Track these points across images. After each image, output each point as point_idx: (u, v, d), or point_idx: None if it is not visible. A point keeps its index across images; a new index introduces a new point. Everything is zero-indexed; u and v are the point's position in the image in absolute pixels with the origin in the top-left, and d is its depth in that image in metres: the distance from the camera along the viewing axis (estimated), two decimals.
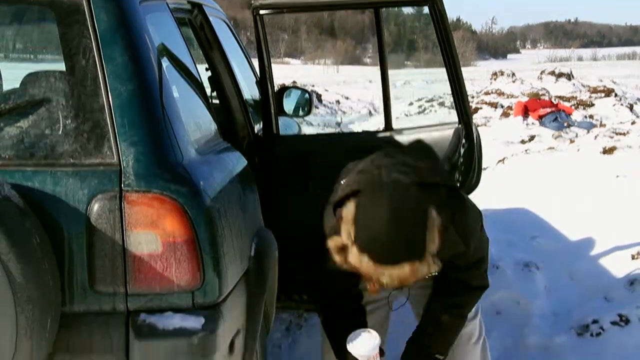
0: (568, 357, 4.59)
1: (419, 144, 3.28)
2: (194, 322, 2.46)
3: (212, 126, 3.23)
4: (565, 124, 14.20)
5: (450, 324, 3.09)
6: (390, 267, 2.59)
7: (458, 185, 4.12)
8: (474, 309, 3.24)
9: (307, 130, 6.63)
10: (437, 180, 2.82)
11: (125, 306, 2.45)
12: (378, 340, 2.84)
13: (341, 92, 26.63)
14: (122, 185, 2.44)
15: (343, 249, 2.66)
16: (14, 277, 2.23)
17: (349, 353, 2.88)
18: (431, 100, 22.63)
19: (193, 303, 2.47)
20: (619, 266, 5.25)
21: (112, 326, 2.44)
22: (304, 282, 4.18)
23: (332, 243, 2.69)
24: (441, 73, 4.10)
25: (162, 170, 2.48)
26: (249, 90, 4.54)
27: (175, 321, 2.45)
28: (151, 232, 2.42)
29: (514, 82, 21.05)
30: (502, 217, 5.59)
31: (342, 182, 2.95)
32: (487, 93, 19.55)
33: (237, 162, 3.16)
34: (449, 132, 4.02)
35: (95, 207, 2.43)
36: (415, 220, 2.62)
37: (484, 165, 5.75)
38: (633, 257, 5.32)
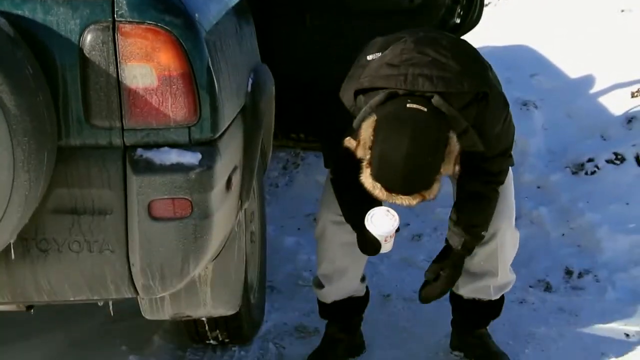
0: (562, 195, 4.65)
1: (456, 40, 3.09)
2: (191, 157, 2.46)
3: None
4: None
5: (485, 196, 3.02)
6: (402, 196, 2.70)
7: (459, 22, 4.04)
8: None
9: None
10: (463, 88, 2.78)
11: (122, 141, 2.44)
12: (397, 220, 2.86)
13: None
14: (115, 15, 2.38)
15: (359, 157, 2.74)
16: (9, 108, 2.21)
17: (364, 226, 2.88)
18: None
19: (190, 139, 2.47)
20: (617, 104, 5.23)
21: (109, 161, 2.44)
22: (301, 120, 4.17)
23: (349, 144, 2.76)
24: None
25: (155, 1, 2.41)
26: None
27: (172, 157, 2.45)
28: (146, 65, 2.38)
29: None
30: (502, 54, 5.50)
31: (367, 57, 2.91)
32: None
33: None
34: None
35: (88, 38, 2.38)
36: (433, 157, 2.69)
37: (486, 1, 5.64)
38: (633, 95, 5.28)
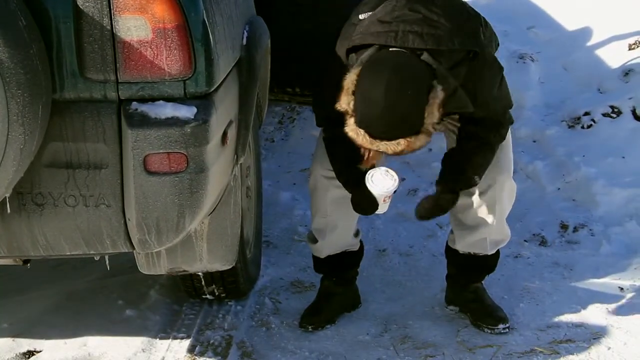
0: (558, 148, 4.65)
1: None
2: (186, 111, 2.44)
3: None
4: None
5: (487, 142, 2.99)
6: (385, 142, 2.66)
7: None
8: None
9: None
10: (454, 45, 2.75)
11: (117, 94, 2.42)
12: (397, 180, 2.85)
13: None
14: None
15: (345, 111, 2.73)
16: (2, 60, 2.19)
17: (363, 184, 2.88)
18: None
19: (185, 92, 2.45)
20: (614, 57, 5.19)
21: (104, 114, 2.43)
22: (297, 74, 4.15)
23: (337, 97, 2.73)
24: None
25: None
26: None
27: (167, 110, 2.43)
28: (140, 17, 2.35)
29: None
30: (498, 6, 5.45)
31: (360, 16, 2.89)
32: None
33: None
34: None
35: None
36: (415, 98, 2.65)
37: None
38: (630, 47, 5.25)
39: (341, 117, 2.76)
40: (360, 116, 2.69)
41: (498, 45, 3.14)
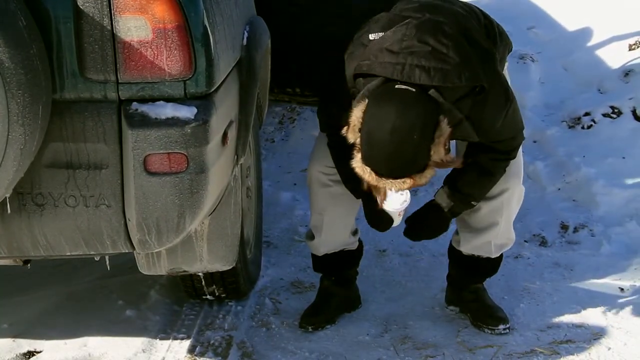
0: (558, 149, 4.65)
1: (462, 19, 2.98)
2: (187, 111, 2.44)
3: None
4: None
5: (489, 172, 3.01)
6: (391, 180, 2.70)
7: None
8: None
9: None
10: (461, 82, 2.72)
11: (117, 94, 2.42)
12: (409, 195, 2.87)
13: None
14: None
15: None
16: (2, 61, 2.19)
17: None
18: None
19: (185, 93, 2.45)
20: (615, 57, 5.20)
21: (104, 115, 2.43)
22: (297, 75, 4.14)
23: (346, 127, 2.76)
24: None
25: None
26: None
27: (168, 111, 2.44)
28: (140, 17, 2.36)
29: None
30: (499, 6, 5.43)
31: (370, 36, 2.86)
32: None
33: None
34: None
35: None
36: (421, 141, 2.65)
37: None
38: (630, 48, 5.25)
39: (346, 145, 2.78)
40: (366, 156, 2.70)
41: (511, 49, 3.14)
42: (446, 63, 2.71)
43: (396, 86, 2.70)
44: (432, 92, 2.70)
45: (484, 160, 2.96)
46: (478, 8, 3.05)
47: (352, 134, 2.74)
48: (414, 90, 2.68)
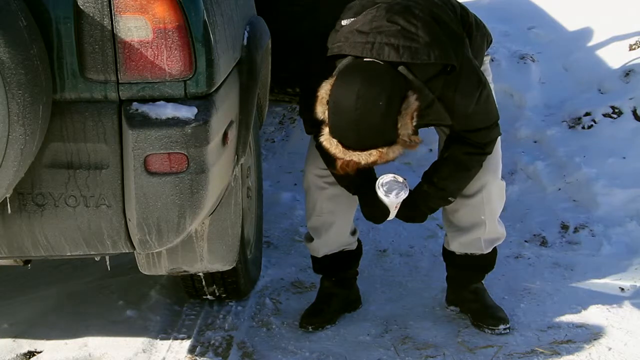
0: (558, 149, 4.65)
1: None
2: (187, 111, 2.44)
3: None
4: None
5: (464, 166, 3.01)
6: (358, 152, 2.68)
7: None
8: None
9: None
10: (430, 59, 2.74)
11: (117, 95, 2.42)
12: (407, 186, 2.87)
13: None
14: None
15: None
16: (2, 61, 2.19)
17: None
18: None
19: (185, 93, 2.45)
20: (615, 57, 5.20)
21: (105, 115, 2.43)
22: (297, 75, 4.14)
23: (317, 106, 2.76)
24: None
25: None
26: None
27: (168, 111, 2.44)
28: (141, 17, 2.36)
29: None
30: (499, 7, 5.46)
31: (342, 22, 2.90)
32: None
33: None
34: None
35: None
36: (386, 109, 2.65)
37: None
38: (630, 48, 5.25)
39: (318, 124, 2.79)
40: (332, 126, 2.71)
41: (490, 42, 3.15)
42: (415, 42, 2.74)
43: (364, 59, 2.73)
44: (401, 68, 2.72)
45: (460, 154, 2.96)
46: (456, 1, 3.06)
47: (320, 107, 2.75)
48: (381, 63, 2.71)
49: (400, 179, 2.88)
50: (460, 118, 2.88)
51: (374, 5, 2.87)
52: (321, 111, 2.75)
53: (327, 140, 2.73)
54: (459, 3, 3.06)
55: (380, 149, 2.68)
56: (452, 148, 2.97)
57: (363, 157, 2.70)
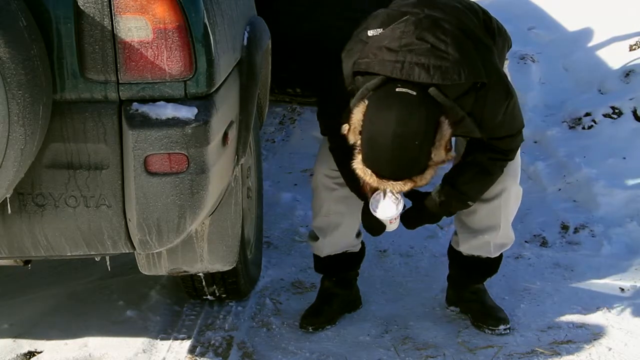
0: (559, 149, 4.65)
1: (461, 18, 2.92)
2: (187, 112, 2.44)
3: None
4: None
5: (487, 171, 3.00)
6: (392, 182, 2.71)
7: None
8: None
9: None
10: (460, 79, 2.72)
11: (117, 95, 2.42)
12: (402, 202, 2.87)
13: None
14: None
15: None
16: (3, 61, 2.19)
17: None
18: None
19: (185, 93, 2.45)
20: (615, 57, 5.20)
21: (105, 115, 2.43)
22: (297, 75, 4.15)
23: (343, 129, 2.77)
24: None
25: None
26: None
27: (168, 111, 2.44)
28: (141, 17, 2.36)
29: None
30: (499, 7, 5.44)
31: (368, 32, 2.86)
32: None
33: None
34: None
35: None
36: (422, 145, 2.66)
37: None
38: (631, 48, 5.25)
39: (347, 145, 2.78)
40: (367, 159, 2.71)
41: (510, 46, 3.14)
42: (445, 60, 2.71)
43: (396, 89, 2.69)
44: (432, 90, 2.70)
45: (483, 159, 2.96)
46: (477, 4, 3.05)
47: (352, 136, 2.75)
48: (414, 93, 2.68)
49: (395, 195, 2.86)
50: (488, 127, 2.87)
51: (401, 15, 2.84)
52: (353, 139, 2.75)
53: (361, 169, 2.74)
54: (480, 7, 3.04)
55: (414, 178, 2.71)
56: (476, 153, 2.97)
57: (397, 186, 2.72)
